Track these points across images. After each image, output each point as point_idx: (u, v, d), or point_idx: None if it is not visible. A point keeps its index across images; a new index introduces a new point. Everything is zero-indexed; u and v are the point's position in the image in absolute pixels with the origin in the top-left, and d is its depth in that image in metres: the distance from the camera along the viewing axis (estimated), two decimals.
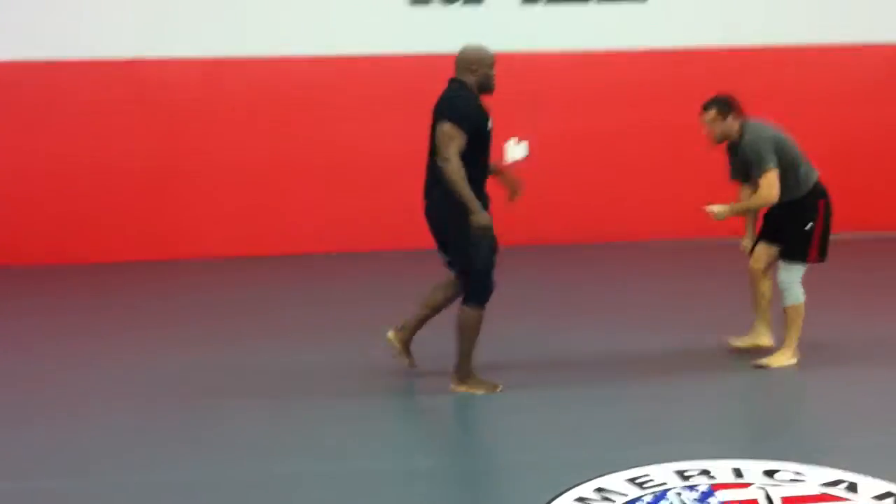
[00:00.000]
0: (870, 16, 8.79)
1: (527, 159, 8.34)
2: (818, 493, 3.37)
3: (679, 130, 7.34)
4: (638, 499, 3.35)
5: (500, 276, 4.61)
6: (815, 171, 4.95)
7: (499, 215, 4.53)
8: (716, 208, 4.82)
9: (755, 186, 4.82)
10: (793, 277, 4.92)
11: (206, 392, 4.74)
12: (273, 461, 3.81)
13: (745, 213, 5.03)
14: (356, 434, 4.13)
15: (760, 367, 4.92)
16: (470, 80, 4.49)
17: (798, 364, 4.95)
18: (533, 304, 6.46)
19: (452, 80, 4.53)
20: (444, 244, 4.63)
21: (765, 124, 4.90)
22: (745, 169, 4.90)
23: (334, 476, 3.65)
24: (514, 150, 8.54)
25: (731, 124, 4.85)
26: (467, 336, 4.58)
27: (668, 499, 3.34)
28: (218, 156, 8.49)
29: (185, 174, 8.50)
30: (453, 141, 4.27)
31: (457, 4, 8.57)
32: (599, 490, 3.42)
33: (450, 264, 4.70)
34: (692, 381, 4.78)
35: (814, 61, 8.77)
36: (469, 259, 4.50)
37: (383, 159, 8.53)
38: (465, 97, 4.45)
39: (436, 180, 4.45)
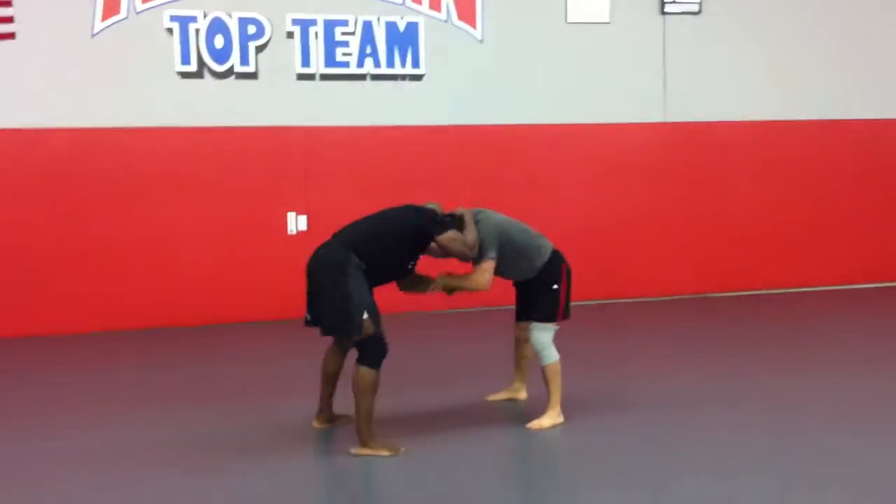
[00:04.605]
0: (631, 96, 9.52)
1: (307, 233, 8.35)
2: None
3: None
4: None
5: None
6: (549, 245, 5.23)
7: None
8: (440, 278, 5.06)
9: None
10: (546, 338, 5.14)
11: None
12: None
13: (459, 289, 5.13)
14: None
15: (532, 429, 5.06)
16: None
17: (564, 422, 5.11)
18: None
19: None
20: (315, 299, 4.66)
21: (493, 216, 5.11)
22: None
23: None
24: (296, 222, 8.54)
25: (471, 233, 4.95)
26: (364, 398, 4.54)
27: None
28: None
29: None
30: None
31: (230, 79, 8.52)
32: None
33: (312, 322, 4.71)
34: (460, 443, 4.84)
35: (568, 138, 9.34)
36: (342, 319, 4.50)
37: (152, 234, 8.27)
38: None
39: (349, 238, 4.70)
